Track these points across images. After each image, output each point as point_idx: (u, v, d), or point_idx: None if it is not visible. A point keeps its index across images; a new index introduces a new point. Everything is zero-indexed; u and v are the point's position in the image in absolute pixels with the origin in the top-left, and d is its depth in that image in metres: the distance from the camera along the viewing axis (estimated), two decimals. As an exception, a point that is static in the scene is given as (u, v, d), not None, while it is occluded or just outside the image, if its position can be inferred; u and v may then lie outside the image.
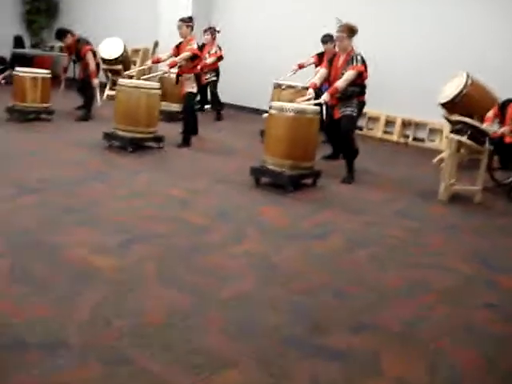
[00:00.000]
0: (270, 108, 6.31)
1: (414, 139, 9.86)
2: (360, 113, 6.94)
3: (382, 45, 9.90)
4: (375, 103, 9.86)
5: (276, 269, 4.13)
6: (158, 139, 7.81)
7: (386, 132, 10.17)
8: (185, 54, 7.75)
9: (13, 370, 2.65)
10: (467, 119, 6.44)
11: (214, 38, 10.50)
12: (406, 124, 9.98)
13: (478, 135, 6.27)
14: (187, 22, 7.84)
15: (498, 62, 8.44)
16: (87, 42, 9.65)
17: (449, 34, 9.31)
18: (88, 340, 2.95)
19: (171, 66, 7.92)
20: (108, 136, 7.63)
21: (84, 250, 4.12)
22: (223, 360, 2.89)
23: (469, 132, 6.23)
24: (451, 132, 6.49)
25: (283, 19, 11.17)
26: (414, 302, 3.78)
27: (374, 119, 10.34)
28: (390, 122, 10.15)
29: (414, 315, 3.58)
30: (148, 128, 7.66)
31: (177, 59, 7.81)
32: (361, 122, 10.40)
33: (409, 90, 9.57)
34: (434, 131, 9.64)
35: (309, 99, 6.62)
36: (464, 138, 6.23)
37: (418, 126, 9.85)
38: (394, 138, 9.98)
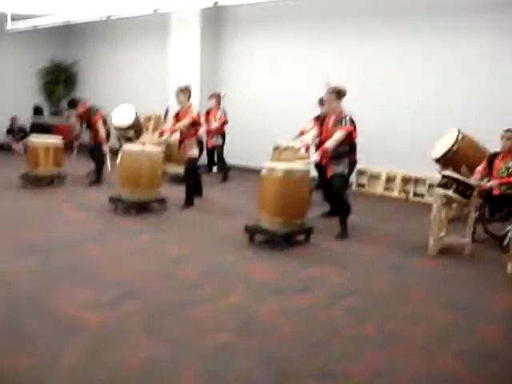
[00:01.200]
0: (263, 169, 6.63)
1: (414, 195, 10.07)
2: (351, 171, 7.22)
3: (381, 104, 10.28)
4: (376, 161, 10.21)
5: (257, 321, 4.35)
6: (162, 201, 8.15)
7: (386, 188, 10.40)
8: (184, 121, 8.19)
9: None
10: (453, 173, 6.66)
11: (218, 103, 10.95)
12: (406, 180, 10.21)
13: (464, 189, 6.47)
14: (184, 89, 8.30)
15: (490, 120, 8.68)
16: (98, 111, 10.17)
17: (446, 90, 9.64)
18: (65, 388, 3.19)
19: (171, 133, 8.38)
20: (113, 199, 8.00)
21: (76, 306, 4.40)
22: (189, 405, 3.10)
23: (454, 186, 6.45)
24: (437, 186, 6.70)
25: (284, 83, 11.65)
26: (386, 352, 3.94)
27: (374, 176, 10.60)
28: (390, 179, 10.39)
29: (383, 365, 3.75)
30: (151, 190, 8.02)
31: (176, 126, 8.26)
32: (362, 180, 10.70)
33: (408, 146, 9.83)
34: (433, 186, 9.82)
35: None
36: (450, 192, 6.45)
37: (418, 181, 10.07)
38: (395, 193, 10.20)
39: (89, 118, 10.04)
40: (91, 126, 10.08)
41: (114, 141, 11.21)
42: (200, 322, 4.27)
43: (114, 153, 11.09)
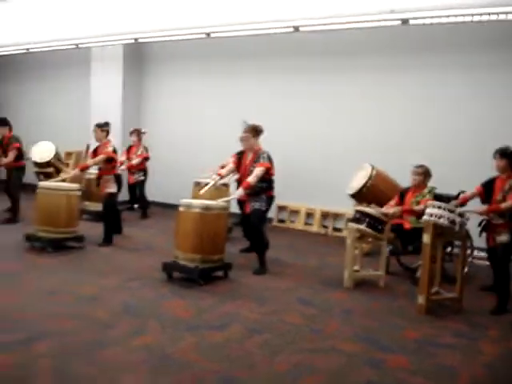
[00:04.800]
0: (180, 205, 6.66)
1: (334, 229, 10.30)
2: (269, 207, 7.31)
3: (303, 143, 10.54)
4: (296, 197, 10.42)
5: (170, 360, 4.31)
6: (79, 239, 8.01)
7: (306, 223, 10.60)
8: (99, 158, 8.17)
9: None
10: (365, 208, 6.89)
11: (139, 140, 10.94)
12: (325, 215, 10.45)
13: (375, 223, 6.70)
14: (102, 126, 8.29)
15: (401, 156, 9.04)
16: (18, 140, 9.85)
17: (360, 128, 10.01)
18: None
19: (82, 169, 8.35)
20: (29, 237, 7.80)
21: (-20, 350, 4.24)
22: None
23: (367, 220, 6.67)
24: (350, 221, 6.90)
25: (206, 121, 11.77)
26: (298, 385, 4.01)
27: (295, 212, 10.80)
28: (310, 214, 10.61)
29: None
30: (68, 228, 7.87)
31: (89, 162, 8.21)
32: (282, 215, 10.88)
33: (328, 182, 10.10)
34: (351, 221, 10.11)
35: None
36: (362, 227, 6.66)
37: (337, 216, 10.33)
38: (314, 228, 10.41)
39: (7, 145, 9.68)
40: (6, 153, 9.69)
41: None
42: (111, 363, 4.18)
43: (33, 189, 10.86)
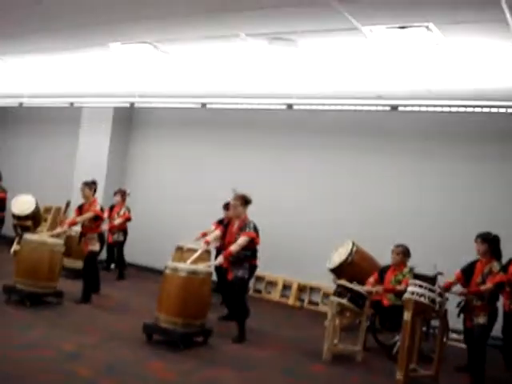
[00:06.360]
0: (166, 268, 6.73)
1: (309, 302, 10.38)
2: (251, 275, 7.42)
3: (283, 214, 10.72)
4: (273, 268, 10.51)
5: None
6: (58, 294, 7.97)
7: (282, 295, 10.67)
8: (87, 215, 8.25)
9: None
10: (347, 283, 7.03)
11: (123, 200, 11.01)
12: (301, 288, 10.54)
13: (356, 298, 6.84)
14: (90, 185, 8.43)
15: (382, 234, 9.27)
16: (4, 190, 9.93)
17: (340, 205, 10.26)
18: None
19: (70, 225, 8.40)
20: (7, 289, 7.73)
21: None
22: None
23: (348, 295, 6.80)
24: (332, 295, 7.03)
25: (189, 187, 11.92)
26: None
27: (272, 283, 10.88)
28: (286, 286, 10.69)
29: None
30: (48, 283, 7.84)
31: (78, 218, 8.31)
32: (259, 286, 10.94)
33: (305, 256, 10.24)
34: (327, 295, 10.18)
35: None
36: (344, 301, 6.79)
37: (313, 290, 10.43)
38: (291, 301, 10.47)
39: None
40: None
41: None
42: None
43: (11, 242, 10.80)
